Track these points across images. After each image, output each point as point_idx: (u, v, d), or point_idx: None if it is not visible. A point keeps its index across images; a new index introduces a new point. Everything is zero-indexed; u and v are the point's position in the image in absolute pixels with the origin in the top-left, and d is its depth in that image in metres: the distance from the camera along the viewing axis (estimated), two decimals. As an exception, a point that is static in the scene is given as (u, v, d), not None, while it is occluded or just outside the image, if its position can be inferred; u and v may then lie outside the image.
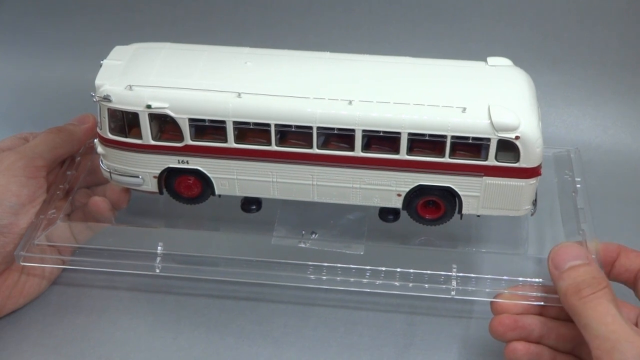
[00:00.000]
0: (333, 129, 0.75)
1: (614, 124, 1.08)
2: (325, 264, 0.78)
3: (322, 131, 0.75)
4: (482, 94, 0.75)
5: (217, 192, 0.81)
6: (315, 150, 0.76)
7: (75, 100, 0.93)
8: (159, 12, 1.14)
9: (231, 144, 0.77)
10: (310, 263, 0.78)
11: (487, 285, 0.76)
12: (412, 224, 0.82)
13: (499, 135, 0.73)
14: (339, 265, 0.78)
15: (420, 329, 0.82)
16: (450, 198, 0.78)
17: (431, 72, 0.79)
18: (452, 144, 0.74)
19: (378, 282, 0.78)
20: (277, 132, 0.76)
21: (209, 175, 0.80)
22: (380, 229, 0.83)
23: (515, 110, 0.73)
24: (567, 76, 1.09)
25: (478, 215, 0.80)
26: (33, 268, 0.82)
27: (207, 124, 0.76)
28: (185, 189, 0.81)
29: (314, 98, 0.75)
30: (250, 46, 0.83)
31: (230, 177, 0.79)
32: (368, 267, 0.78)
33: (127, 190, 0.84)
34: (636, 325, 0.70)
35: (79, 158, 0.88)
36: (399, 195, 0.79)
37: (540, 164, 0.76)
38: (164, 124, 0.78)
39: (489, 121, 0.73)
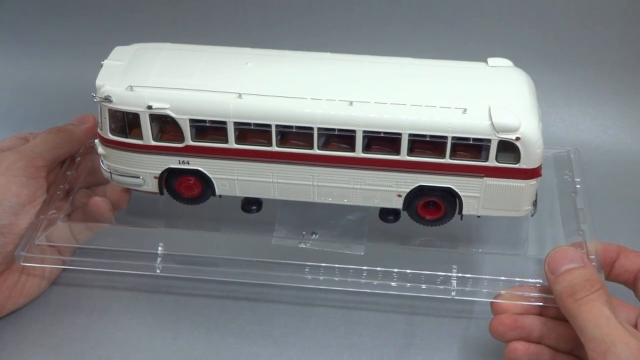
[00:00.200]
0: (334, 129, 0.75)
1: (614, 124, 1.08)
2: (326, 265, 0.78)
3: (322, 132, 0.75)
4: (482, 95, 0.75)
5: (217, 193, 0.81)
6: (315, 151, 0.76)
7: (76, 100, 0.93)
8: (159, 12, 1.14)
9: (232, 144, 0.77)
10: (311, 263, 0.78)
11: (487, 285, 0.76)
12: (413, 224, 0.82)
13: (500, 136, 0.73)
14: (339, 265, 0.78)
15: (420, 329, 0.82)
16: (450, 199, 0.78)
17: (432, 73, 0.79)
18: (453, 145, 0.74)
19: (378, 282, 0.78)
20: (277, 133, 0.76)
21: (209, 175, 0.80)
22: (381, 229, 0.83)
23: (515, 111, 0.73)
24: (567, 76, 1.09)
25: (478, 216, 0.80)
26: (33, 268, 0.82)
27: (207, 124, 0.76)
28: (185, 189, 0.81)
29: (315, 99, 0.75)
30: (251, 46, 0.83)
31: (231, 178, 0.79)
32: (368, 268, 0.78)
33: (128, 191, 0.84)
34: (636, 326, 0.70)
35: (79, 158, 0.88)
36: (400, 195, 0.79)
37: (541, 165, 0.76)
38: (165, 125, 0.78)
39: (490, 122, 0.73)
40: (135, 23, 1.14)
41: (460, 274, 0.77)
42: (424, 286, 0.77)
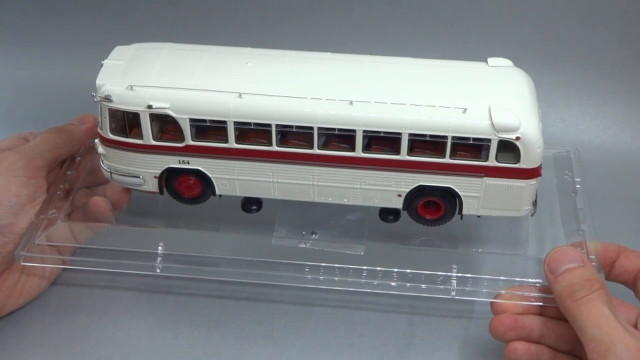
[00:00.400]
0: (334, 129, 0.75)
1: (614, 124, 1.08)
2: (326, 264, 0.78)
3: (322, 131, 0.75)
4: (482, 95, 0.75)
5: (217, 192, 0.81)
6: (315, 151, 0.76)
7: (76, 100, 0.93)
8: (159, 12, 1.14)
9: (232, 144, 0.77)
10: (311, 263, 0.78)
11: (487, 285, 0.76)
12: (413, 224, 0.82)
13: (500, 136, 0.73)
14: (339, 265, 0.78)
15: (420, 329, 0.82)
16: (450, 198, 0.78)
17: (432, 73, 0.79)
18: (453, 145, 0.74)
19: (378, 282, 0.78)
20: (277, 133, 0.76)
21: (209, 175, 0.80)
22: (381, 229, 0.83)
23: (515, 111, 0.73)
24: (567, 76, 1.09)
25: (478, 216, 0.80)
26: (33, 268, 0.82)
27: (208, 124, 0.76)
28: (185, 189, 0.81)
29: (315, 98, 0.75)
30: (251, 46, 0.83)
31: (231, 177, 0.79)
32: (368, 268, 0.78)
33: (128, 190, 0.84)
34: (636, 326, 0.70)
35: (79, 158, 0.88)
36: (400, 195, 0.79)
37: (541, 165, 0.76)
38: (165, 124, 0.78)
39: (490, 122, 0.73)
40: (135, 23, 1.14)
41: (460, 274, 0.77)
42: (424, 286, 0.77)
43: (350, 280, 0.78)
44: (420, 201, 0.79)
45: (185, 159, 0.79)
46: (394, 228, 0.83)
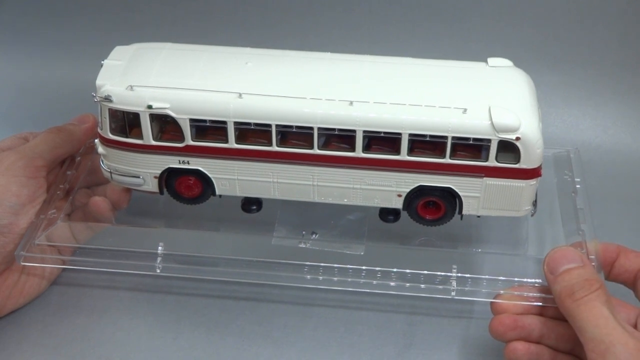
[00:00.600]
0: (334, 129, 0.75)
1: (614, 124, 1.08)
2: (326, 265, 0.78)
3: (322, 132, 0.75)
4: (482, 95, 0.75)
5: (217, 193, 0.81)
6: (315, 151, 0.76)
7: (76, 100, 0.93)
8: (159, 12, 1.14)
9: (232, 144, 0.77)
10: (311, 263, 0.78)
11: (487, 285, 0.76)
12: (413, 224, 0.82)
13: (500, 136, 0.73)
14: (339, 265, 0.78)
15: (420, 329, 0.82)
16: (450, 199, 0.78)
17: (432, 73, 0.79)
18: (453, 145, 0.74)
19: (378, 282, 0.78)
20: (277, 133, 0.76)
21: (209, 175, 0.80)
22: (381, 229, 0.83)
23: (515, 111, 0.73)
24: (567, 76, 1.09)
25: (478, 216, 0.80)
26: (33, 268, 0.82)
27: (208, 124, 0.76)
28: (185, 189, 0.81)
29: (315, 98, 0.75)
30: (251, 46, 0.83)
31: (231, 178, 0.79)
32: (368, 268, 0.78)
33: (128, 191, 0.84)
34: (635, 326, 0.70)
35: (79, 158, 0.88)
36: (400, 195, 0.79)
37: (541, 165, 0.76)
38: (165, 124, 0.78)
39: (490, 122, 0.73)
40: (135, 23, 1.14)
41: (460, 274, 0.77)
42: (423, 286, 0.77)
43: (350, 280, 0.78)
44: (420, 201, 0.79)
45: (185, 159, 0.79)
46: (394, 228, 0.83)
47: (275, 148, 0.77)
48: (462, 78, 0.78)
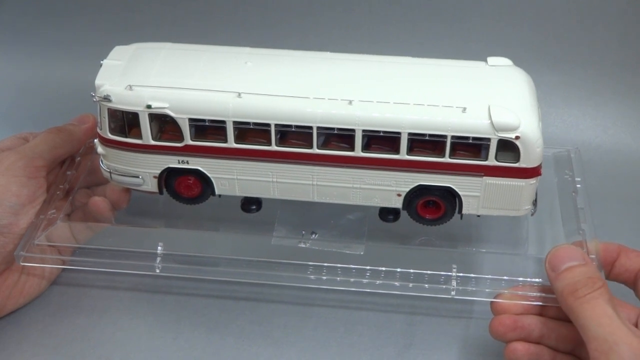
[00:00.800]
0: (333, 129, 0.75)
1: (614, 124, 1.08)
2: (326, 264, 0.78)
3: (322, 131, 0.75)
4: (482, 94, 0.75)
5: (217, 192, 0.81)
6: (315, 150, 0.76)
7: (75, 100, 0.93)
8: (159, 12, 1.14)
9: (231, 144, 0.77)
10: (311, 263, 0.78)
11: (487, 285, 0.76)
12: (412, 224, 0.82)
13: (499, 135, 0.73)
14: (339, 265, 0.78)
15: (420, 329, 0.82)
16: (450, 198, 0.78)
17: (431, 72, 0.79)
18: (452, 144, 0.74)
19: (378, 282, 0.78)
20: (277, 132, 0.76)
21: (209, 175, 0.80)
22: (381, 229, 0.83)
23: (515, 110, 0.73)
24: (567, 76, 1.09)
25: (478, 215, 0.80)
26: (33, 268, 0.82)
27: (207, 124, 0.76)
28: (185, 189, 0.81)
29: (314, 98, 0.75)
30: (251, 46, 0.83)
31: (231, 177, 0.79)
32: (368, 267, 0.78)
33: (127, 191, 0.84)
34: (636, 325, 0.70)
35: (79, 158, 0.88)
36: (399, 195, 0.79)
37: (541, 164, 0.76)
38: (164, 124, 0.78)
39: (489, 121, 0.73)
40: (135, 23, 1.14)
41: (460, 274, 0.77)
42: (424, 286, 0.77)
43: (351, 280, 0.78)
44: (420, 201, 0.79)
45: (185, 158, 0.79)
46: (394, 228, 0.83)
47: (274, 148, 0.77)
48: (461, 77, 0.78)
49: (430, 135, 0.74)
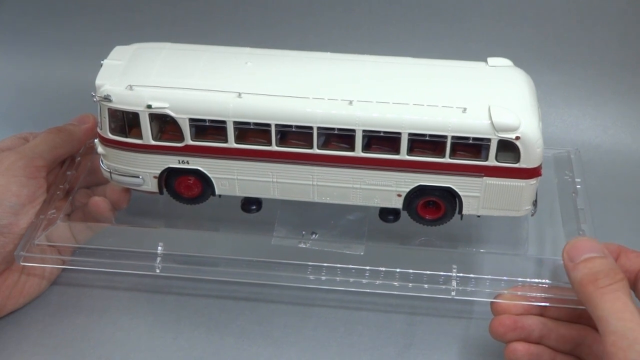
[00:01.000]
0: (333, 129, 0.75)
1: (614, 124, 1.08)
2: (326, 265, 0.78)
3: (322, 131, 0.75)
4: (482, 95, 0.75)
5: (217, 192, 0.81)
6: (315, 151, 0.76)
7: (75, 100, 0.93)
8: (159, 12, 1.14)
9: (231, 144, 0.77)
10: (311, 263, 0.78)
11: (487, 285, 0.76)
12: (412, 224, 0.82)
13: (500, 135, 0.73)
14: (339, 265, 0.78)
15: (420, 329, 0.82)
16: (450, 198, 0.78)
17: (431, 73, 0.79)
18: (453, 145, 0.74)
19: (378, 282, 0.78)
20: (277, 132, 0.76)
21: (209, 175, 0.80)
22: (381, 229, 0.83)
23: (515, 110, 0.73)
24: (567, 76, 1.09)
25: (478, 216, 0.80)
26: (33, 268, 0.82)
27: (207, 124, 0.76)
28: (185, 189, 0.81)
29: (314, 98, 0.75)
30: (251, 46, 0.83)
31: (231, 177, 0.79)
32: (368, 268, 0.78)
33: (127, 191, 0.84)
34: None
35: (79, 158, 0.88)
36: (399, 195, 0.79)
37: (541, 165, 0.76)
38: (165, 124, 0.78)
39: (490, 121, 0.73)
40: (135, 23, 1.14)
41: (460, 274, 0.77)
42: (424, 286, 0.77)
43: (350, 280, 0.78)
44: (420, 201, 0.79)
45: (185, 158, 0.79)
46: (394, 228, 0.83)
47: (274, 148, 0.77)
48: (461, 78, 0.78)
49: (431, 136, 0.74)
